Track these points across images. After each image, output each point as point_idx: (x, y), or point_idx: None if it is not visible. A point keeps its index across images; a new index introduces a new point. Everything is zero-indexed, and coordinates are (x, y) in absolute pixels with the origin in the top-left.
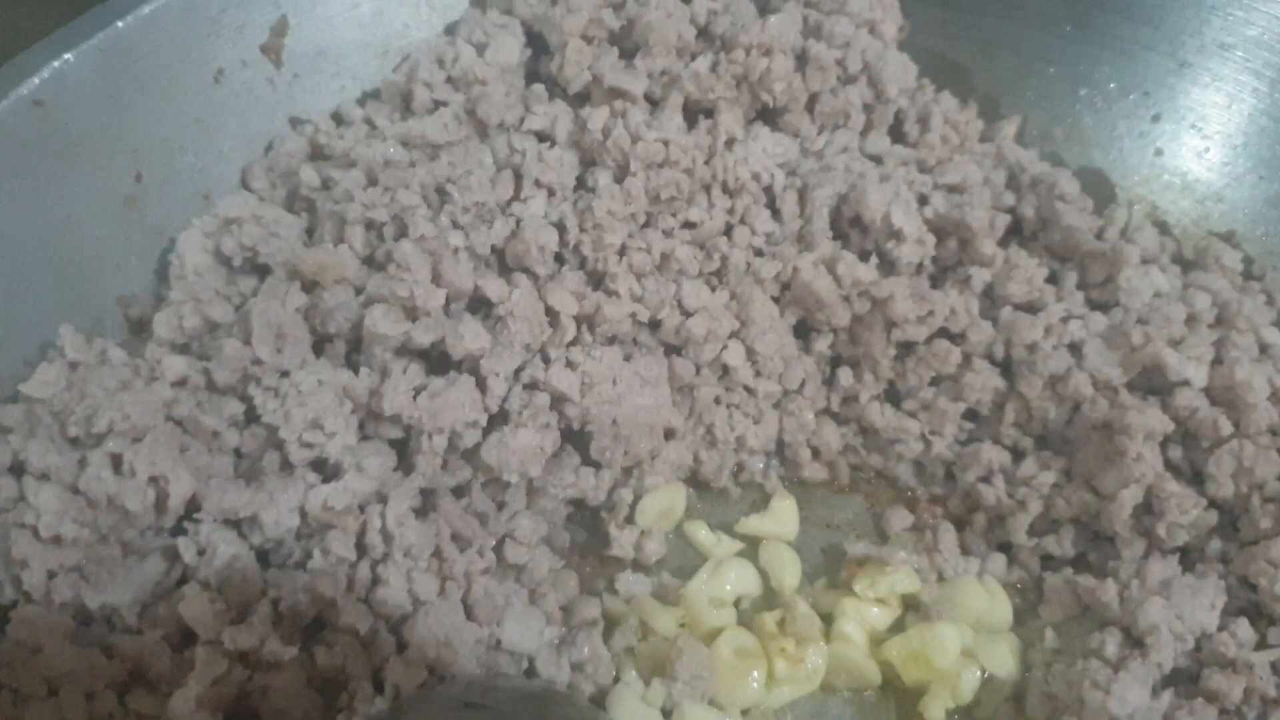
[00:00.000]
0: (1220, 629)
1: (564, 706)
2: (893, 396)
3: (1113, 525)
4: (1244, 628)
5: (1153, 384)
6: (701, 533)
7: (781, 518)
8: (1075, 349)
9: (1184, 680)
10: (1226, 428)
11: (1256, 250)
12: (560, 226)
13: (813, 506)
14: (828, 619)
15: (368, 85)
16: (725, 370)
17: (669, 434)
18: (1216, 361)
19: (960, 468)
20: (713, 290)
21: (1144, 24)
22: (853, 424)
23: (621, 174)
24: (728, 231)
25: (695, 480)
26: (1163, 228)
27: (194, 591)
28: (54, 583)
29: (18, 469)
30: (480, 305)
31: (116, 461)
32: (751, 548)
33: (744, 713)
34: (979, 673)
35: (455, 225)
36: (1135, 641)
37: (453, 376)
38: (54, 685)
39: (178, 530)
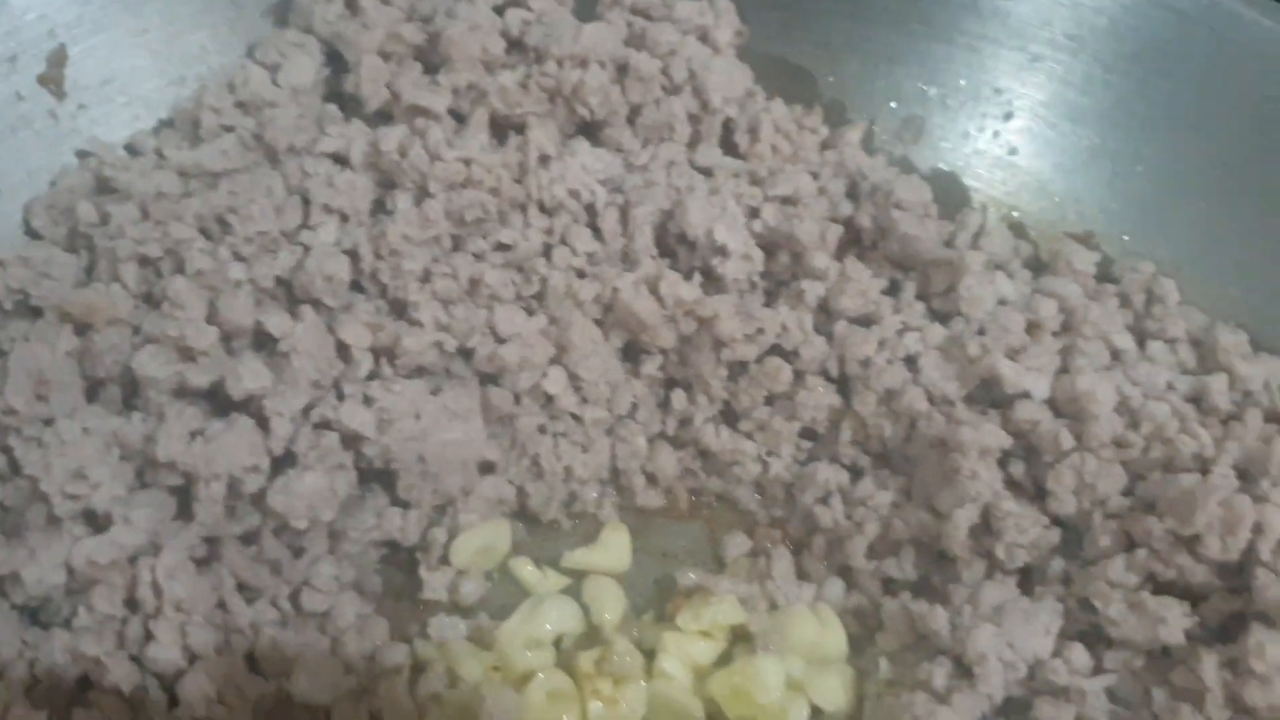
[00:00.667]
0: (1055, 655)
1: None
2: (730, 418)
3: (951, 547)
4: (1079, 653)
5: (993, 397)
6: (526, 569)
7: (611, 549)
8: (911, 362)
9: (1017, 711)
10: (1068, 441)
11: (1116, 251)
12: (354, 254)
13: (650, 535)
14: (650, 655)
15: (163, 114)
16: (548, 398)
17: (485, 468)
18: (1063, 371)
19: (799, 489)
20: (531, 315)
21: (991, 18)
22: (690, 447)
23: (421, 196)
24: (547, 253)
25: (524, 514)
26: (1019, 230)
27: None
28: None
29: None
30: (265, 341)
31: None
32: (579, 583)
33: None
34: (807, 708)
35: (237, 257)
36: (965, 671)
37: (232, 419)
38: None
39: None
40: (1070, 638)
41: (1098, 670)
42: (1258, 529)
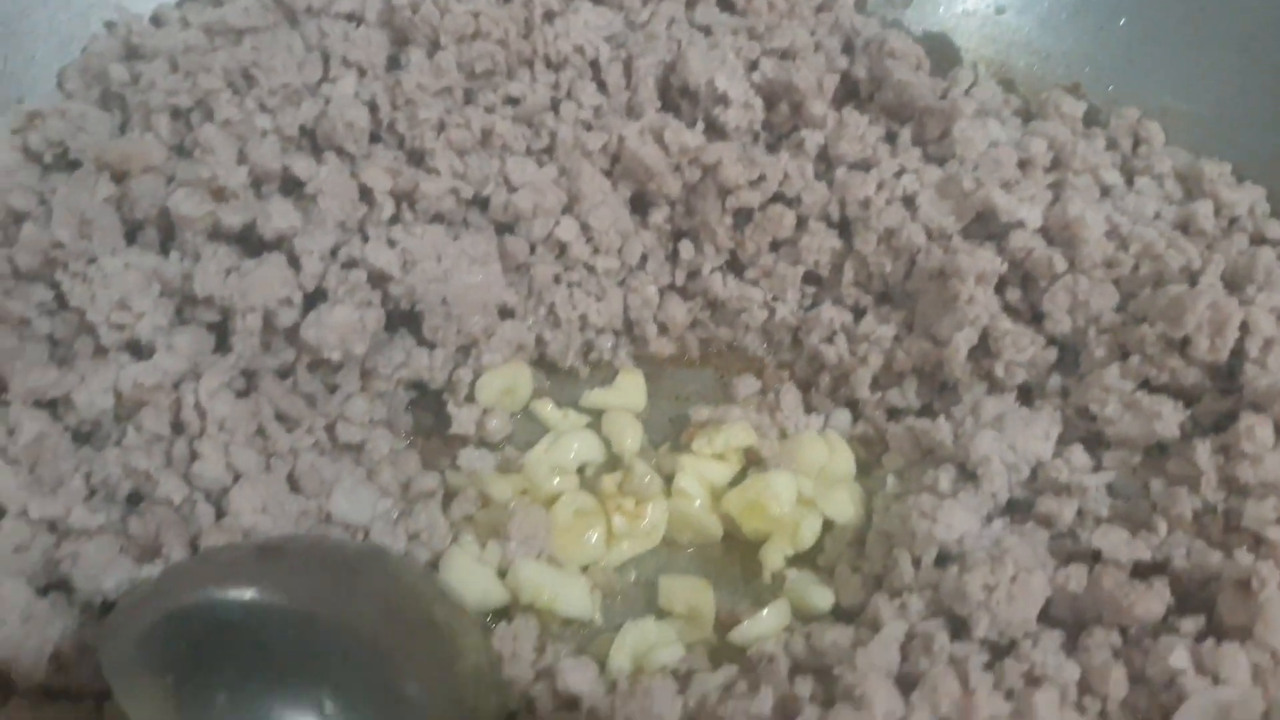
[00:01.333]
0: (1055, 456)
1: (378, 559)
2: (736, 267)
3: (952, 370)
4: (1078, 454)
5: (989, 230)
6: (547, 409)
7: (627, 390)
8: (909, 202)
9: (1020, 510)
10: (1061, 265)
11: (1101, 101)
12: (372, 105)
13: (662, 381)
14: (670, 480)
15: None
16: (561, 248)
17: (504, 312)
18: (1053, 203)
19: (804, 331)
20: (541, 166)
21: None
22: (698, 298)
23: (433, 49)
24: (554, 107)
25: (544, 362)
26: (1008, 85)
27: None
28: None
29: None
30: (293, 187)
31: None
32: (598, 421)
33: (585, 570)
34: (819, 520)
35: (262, 108)
36: (969, 475)
37: (265, 256)
38: None
39: None
40: (1068, 444)
41: (1097, 469)
42: (1245, 328)
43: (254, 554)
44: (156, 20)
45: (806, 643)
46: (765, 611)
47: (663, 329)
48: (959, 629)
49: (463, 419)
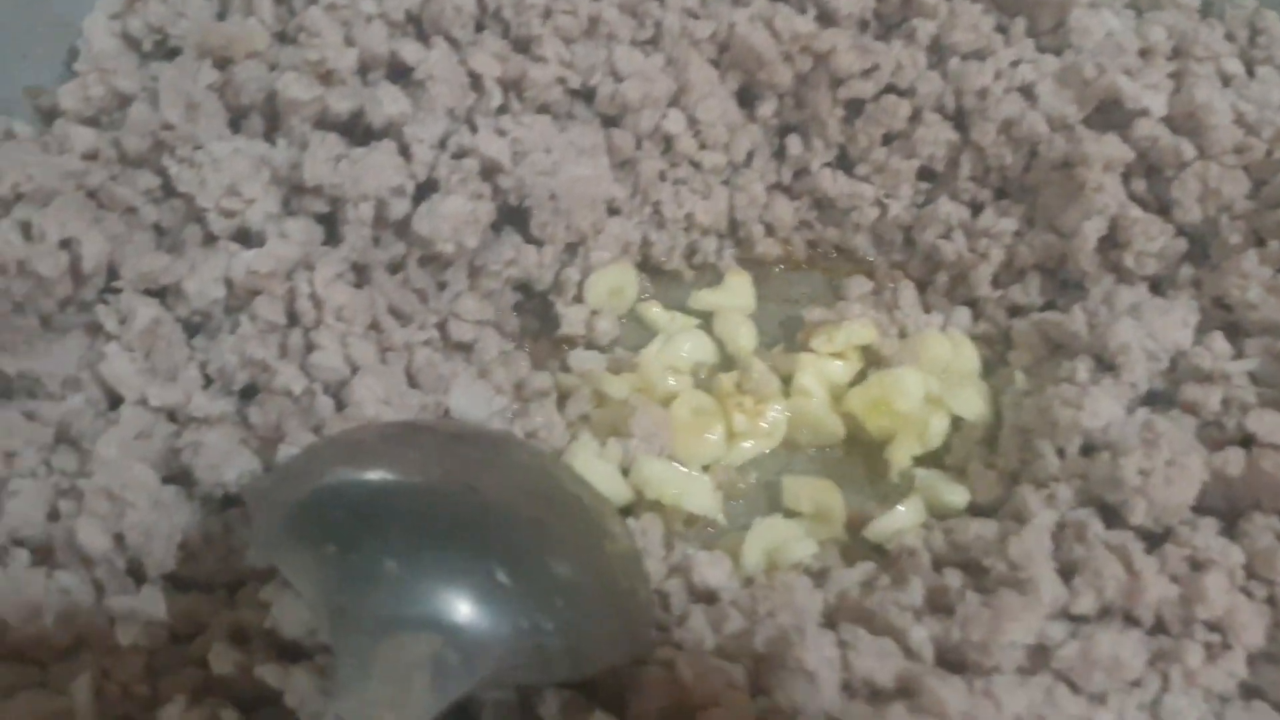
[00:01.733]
0: (1195, 344)
1: (518, 442)
2: (845, 164)
3: (1078, 263)
4: (1219, 341)
5: (1110, 119)
6: (654, 311)
7: (736, 291)
8: (1027, 91)
9: (1161, 401)
10: (1189, 152)
11: None
12: None
13: (770, 284)
14: (787, 381)
15: None
16: (668, 142)
17: (613, 209)
18: (1177, 91)
19: (919, 229)
20: (646, 55)
21: None
22: (806, 197)
23: None
24: None
25: (648, 265)
26: None
27: (114, 350)
28: None
29: None
30: (399, 75)
31: (25, 228)
32: (707, 323)
33: (705, 469)
34: (947, 418)
35: None
36: (1107, 365)
37: (374, 146)
38: None
39: (96, 305)
40: (1207, 332)
41: (1238, 357)
42: None
43: (405, 430)
44: None
45: (947, 538)
46: (901, 507)
47: (769, 230)
48: (1111, 517)
49: (572, 318)
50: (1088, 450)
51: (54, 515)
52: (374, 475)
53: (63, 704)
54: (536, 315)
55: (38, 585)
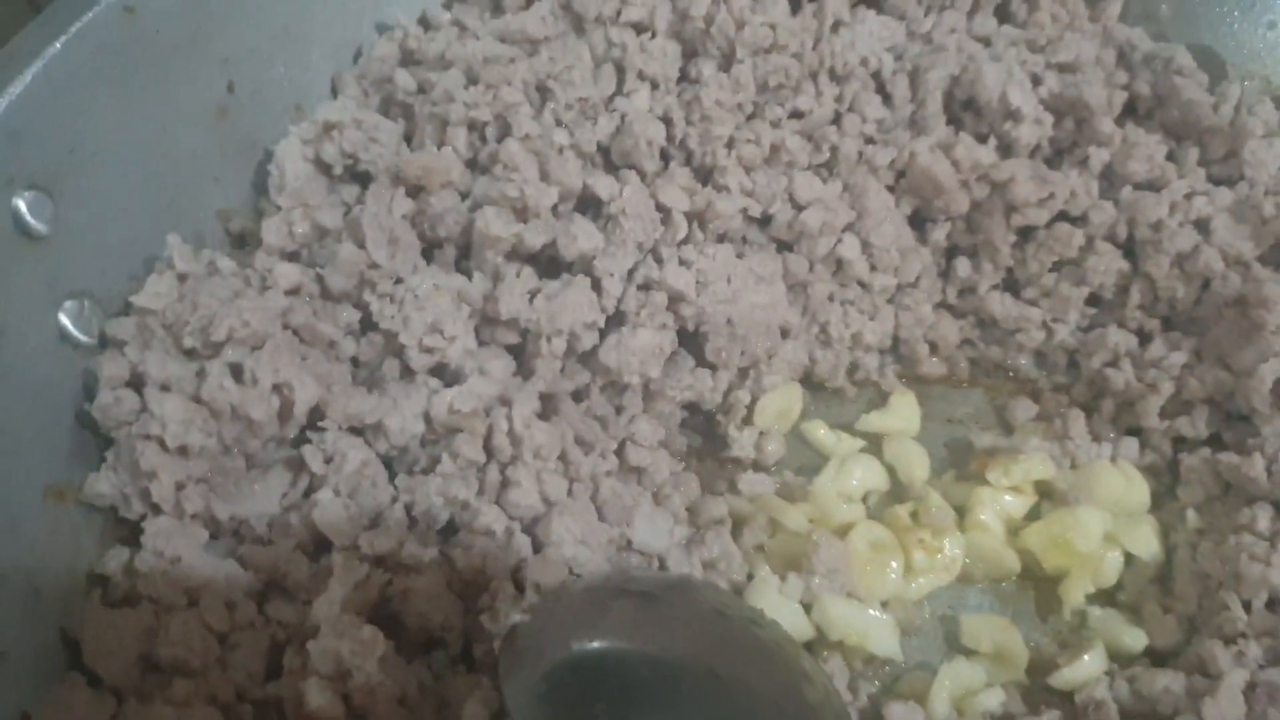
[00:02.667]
0: None
1: (707, 590)
2: (1010, 286)
3: (1250, 402)
4: None
5: None
6: (820, 432)
7: (903, 413)
8: (1202, 225)
9: None
10: None
11: None
12: (666, 120)
13: (932, 403)
14: (960, 510)
15: None
16: (840, 265)
17: (785, 332)
18: None
19: (1084, 354)
20: (824, 182)
21: None
22: (970, 316)
23: (727, 62)
24: (836, 120)
25: (809, 381)
26: (1278, 100)
27: (327, 498)
28: (182, 494)
29: (136, 382)
30: (589, 206)
31: (237, 371)
32: (873, 446)
33: (883, 605)
34: (1121, 556)
35: (559, 123)
36: None
37: (567, 279)
38: (193, 596)
39: (299, 442)
40: None
41: None
42: None
43: (638, 602)
44: (425, 23)
45: (1131, 687)
46: (1087, 657)
47: (933, 348)
48: None
49: (743, 442)
50: (1273, 604)
51: (274, 672)
52: (629, 644)
53: None
54: (700, 432)
55: None
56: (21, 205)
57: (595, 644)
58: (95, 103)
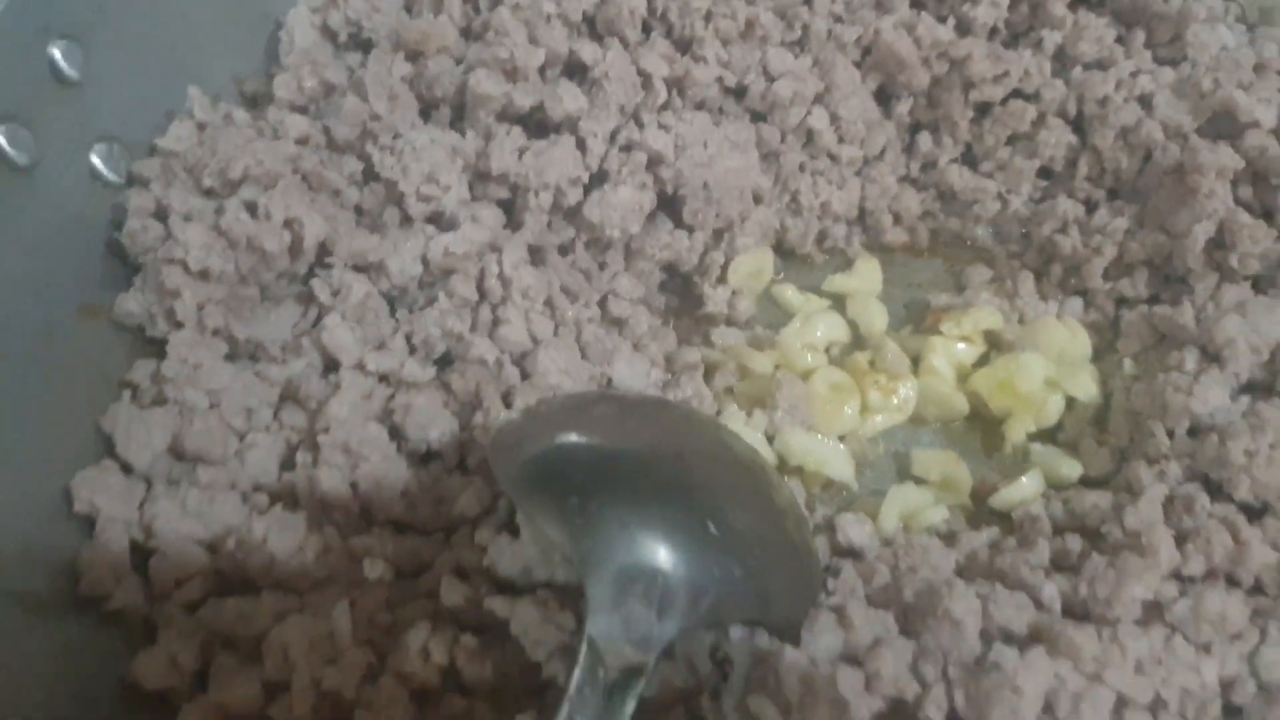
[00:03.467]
0: None
1: (683, 407)
2: (969, 160)
3: (1185, 262)
4: None
5: (1220, 130)
6: (789, 292)
7: (866, 275)
8: (1145, 101)
9: (1261, 390)
10: None
11: None
12: None
13: (894, 269)
14: (915, 359)
15: None
16: (810, 136)
17: (757, 198)
18: None
19: (1035, 223)
20: (795, 57)
21: None
22: (931, 189)
23: None
24: (808, 1)
25: (781, 248)
26: None
27: (335, 322)
28: (204, 312)
29: (161, 214)
30: (575, 71)
31: (252, 207)
32: (838, 305)
33: (841, 439)
34: (1062, 398)
35: None
36: (1212, 357)
37: (554, 138)
38: (214, 400)
39: (308, 279)
40: None
41: None
42: None
43: (608, 399)
44: None
45: (1065, 507)
46: (1025, 479)
47: (896, 218)
48: (1214, 492)
49: (717, 299)
50: (1194, 432)
51: (288, 464)
52: (603, 440)
53: (324, 627)
54: (677, 294)
55: (299, 527)
56: (56, 52)
57: (574, 438)
58: None
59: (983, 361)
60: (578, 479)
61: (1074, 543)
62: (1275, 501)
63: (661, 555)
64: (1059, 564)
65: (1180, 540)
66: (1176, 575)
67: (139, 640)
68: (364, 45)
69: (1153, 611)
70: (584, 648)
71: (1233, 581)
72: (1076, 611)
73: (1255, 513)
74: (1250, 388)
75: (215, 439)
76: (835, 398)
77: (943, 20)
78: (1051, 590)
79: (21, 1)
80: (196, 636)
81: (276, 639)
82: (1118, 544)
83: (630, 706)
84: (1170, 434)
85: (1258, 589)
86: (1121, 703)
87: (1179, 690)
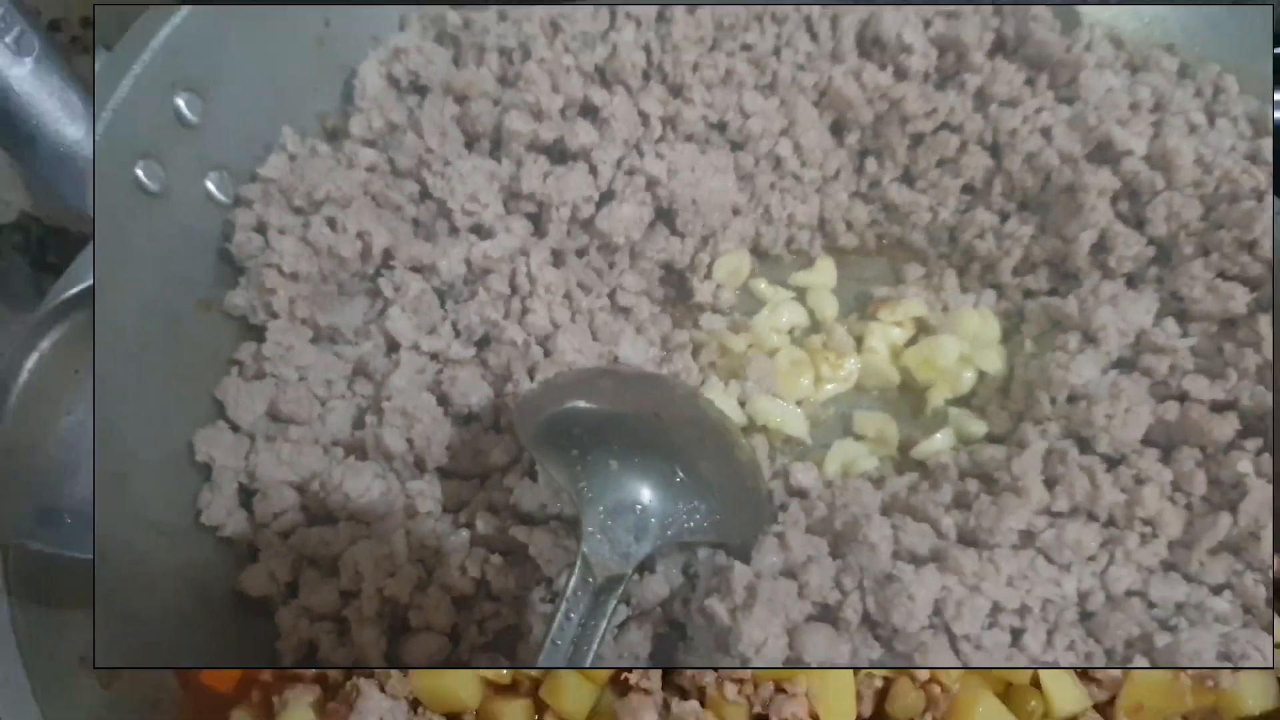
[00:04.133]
0: (1154, 325)
1: (673, 380)
2: (907, 179)
3: (1075, 262)
4: (1171, 324)
5: (1105, 156)
6: (762, 285)
7: (824, 272)
8: (1046, 132)
9: (1126, 365)
10: (1160, 183)
11: (1190, 59)
12: (646, 49)
13: (847, 267)
14: (859, 340)
15: None
16: (778, 162)
17: (735, 211)
18: (1155, 137)
19: (960, 230)
20: (765, 98)
21: None
22: (877, 202)
23: (693, 8)
24: (776, 52)
25: (756, 250)
26: (1117, 43)
27: (396, 313)
28: (294, 306)
29: (261, 228)
30: (588, 112)
31: (332, 223)
32: (800, 296)
33: (798, 404)
34: (974, 372)
35: (566, 50)
36: (1090, 339)
37: (571, 164)
38: (302, 374)
39: (375, 278)
40: (1163, 317)
41: (1184, 336)
42: None
43: (608, 374)
44: None
45: (970, 458)
46: (939, 435)
47: (849, 226)
48: (1084, 446)
49: (704, 291)
50: (1072, 399)
51: (358, 424)
52: (599, 405)
53: (386, 549)
54: (673, 287)
55: (367, 473)
56: (180, 102)
57: (580, 403)
58: (229, 33)
59: (912, 342)
60: (579, 435)
61: (973, 485)
62: (1130, 454)
63: (640, 494)
64: (959, 502)
65: (1051, 484)
66: (1047, 511)
67: (245, 559)
68: (421, 90)
69: (1026, 539)
70: (579, 561)
71: (1090, 516)
72: (967, 540)
73: (1114, 462)
74: (1119, 364)
75: (303, 404)
76: (794, 371)
77: (884, 68)
78: (949, 522)
79: (153, 63)
80: (288, 556)
81: (349, 558)
82: (1005, 487)
83: (612, 604)
84: (1053, 401)
85: (1110, 522)
86: (996, 609)
87: (1041, 599)
